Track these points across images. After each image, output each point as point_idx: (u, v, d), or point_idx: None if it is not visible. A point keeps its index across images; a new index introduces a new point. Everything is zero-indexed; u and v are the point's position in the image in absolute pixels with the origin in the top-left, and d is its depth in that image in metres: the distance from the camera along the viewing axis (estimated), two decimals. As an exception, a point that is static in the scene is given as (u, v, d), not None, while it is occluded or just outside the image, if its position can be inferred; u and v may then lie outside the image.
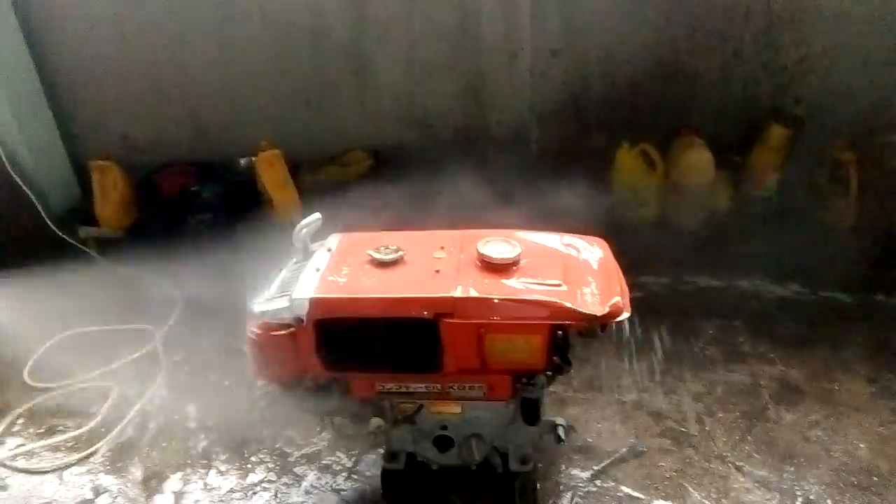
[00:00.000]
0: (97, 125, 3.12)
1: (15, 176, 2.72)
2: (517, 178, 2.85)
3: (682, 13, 2.54)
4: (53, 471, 1.79)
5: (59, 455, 1.83)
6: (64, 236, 2.68)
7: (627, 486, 1.63)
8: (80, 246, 2.66)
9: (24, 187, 2.73)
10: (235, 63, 2.89)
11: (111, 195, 2.55)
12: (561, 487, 1.63)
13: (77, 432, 1.90)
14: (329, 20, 2.75)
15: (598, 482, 1.64)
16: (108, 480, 1.74)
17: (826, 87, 2.58)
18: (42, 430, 1.92)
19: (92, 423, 1.93)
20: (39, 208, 2.72)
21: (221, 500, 1.66)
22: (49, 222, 2.70)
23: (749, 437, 1.74)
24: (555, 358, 1.40)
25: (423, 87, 2.83)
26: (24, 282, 2.66)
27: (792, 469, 1.65)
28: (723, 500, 1.58)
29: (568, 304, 1.29)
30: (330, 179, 2.76)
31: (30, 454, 1.84)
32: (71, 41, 2.95)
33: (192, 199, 2.67)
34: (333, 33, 2.78)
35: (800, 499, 1.57)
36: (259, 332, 1.38)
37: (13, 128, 2.87)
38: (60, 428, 1.92)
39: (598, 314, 1.29)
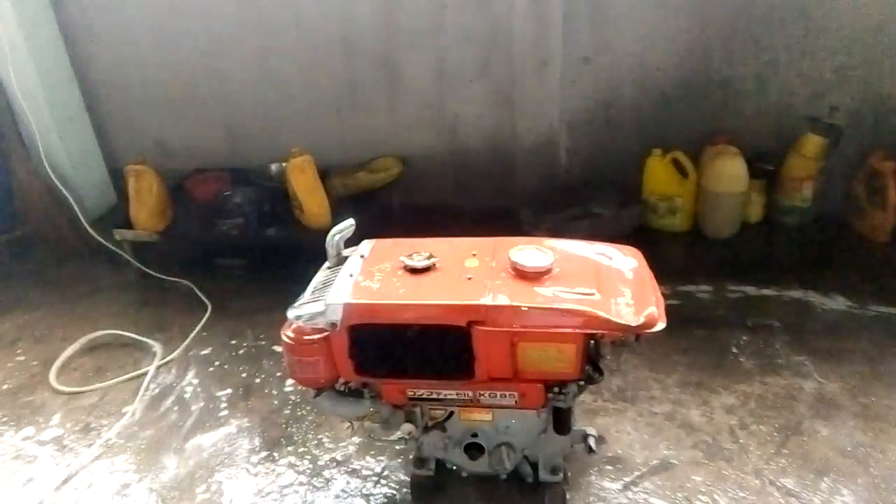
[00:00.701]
0: (133, 131, 3.20)
1: (55, 179, 2.79)
2: (547, 186, 2.85)
3: (717, 21, 2.52)
4: (86, 468, 1.82)
5: (92, 451, 1.86)
6: (100, 239, 2.73)
7: (659, 499, 1.60)
8: (114, 248, 2.71)
9: (63, 190, 2.80)
10: (269, 71, 2.94)
11: (146, 199, 2.60)
12: (591, 498, 1.61)
13: (109, 431, 1.93)
14: (361, 29, 2.79)
15: (629, 494, 1.62)
16: (139, 478, 1.77)
17: (864, 95, 2.54)
18: (78, 428, 1.96)
19: (123, 422, 1.96)
20: (77, 211, 2.78)
21: (251, 502, 1.67)
22: (86, 225, 2.76)
23: (784, 451, 1.71)
24: (587, 367, 1.40)
25: (453, 94, 2.85)
26: (59, 283, 2.73)
27: (828, 484, 1.61)
28: (757, 516, 1.55)
29: (602, 314, 1.28)
30: (359, 185, 2.78)
31: (65, 451, 1.88)
32: (109, 48, 3.02)
33: (224, 204, 2.72)
34: (365, 42, 2.81)
35: (837, 516, 1.54)
36: (293, 335, 1.40)
37: (52, 132, 2.95)
38: (94, 426, 1.96)
39: (633, 324, 1.28)
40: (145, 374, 2.15)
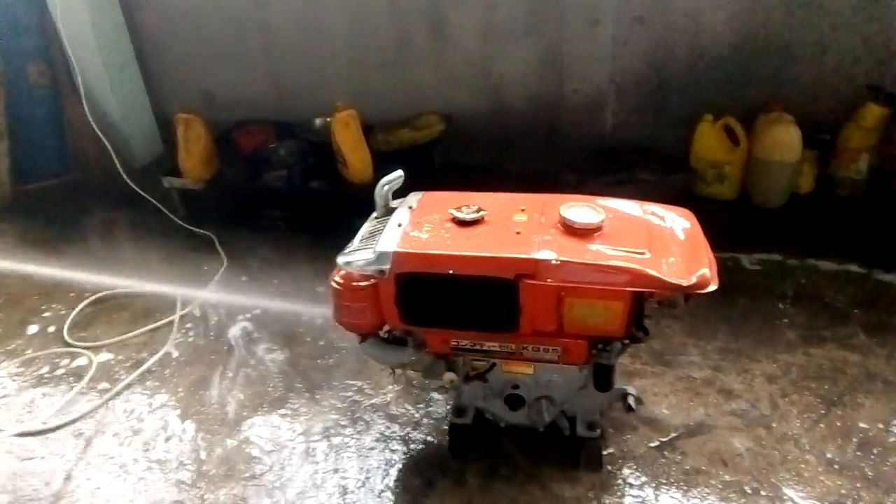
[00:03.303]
0: (181, 81, 3.23)
1: (98, 125, 2.83)
2: (591, 149, 2.81)
3: (780, -19, 2.42)
4: (129, 391, 1.91)
5: (138, 388, 1.95)
6: (138, 189, 2.78)
7: (694, 460, 1.61)
8: (146, 198, 2.78)
9: (104, 138, 2.84)
10: (316, 25, 2.93)
11: (194, 148, 2.64)
12: (627, 456, 1.63)
13: (151, 366, 2.02)
14: (409, -18, 2.75)
15: (665, 453, 1.63)
16: (184, 419, 1.84)
17: (932, 64, 2.43)
18: (128, 364, 2.04)
19: (169, 360, 2.04)
20: (116, 158, 2.82)
21: (292, 442, 1.73)
22: (123, 174, 2.80)
23: (824, 422, 1.70)
24: (632, 326, 1.40)
25: (499, 52, 2.81)
26: (110, 226, 2.81)
27: (870, 458, 1.60)
28: (793, 482, 1.55)
29: (652, 272, 1.27)
30: (402, 142, 2.78)
31: (111, 378, 1.97)
32: (160, -3, 3.04)
33: (268, 156, 2.75)
34: (413, -4, 2.77)
35: (877, 487, 1.52)
36: (342, 281, 1.42)
37: (104, 80, 3.00)
38: (144, 366, 2.04)
39: (684, 284, 1.27)
40: (183, 315, 2.22)
